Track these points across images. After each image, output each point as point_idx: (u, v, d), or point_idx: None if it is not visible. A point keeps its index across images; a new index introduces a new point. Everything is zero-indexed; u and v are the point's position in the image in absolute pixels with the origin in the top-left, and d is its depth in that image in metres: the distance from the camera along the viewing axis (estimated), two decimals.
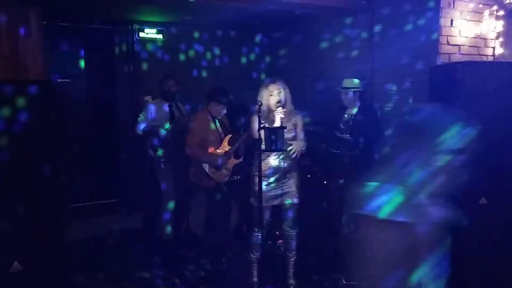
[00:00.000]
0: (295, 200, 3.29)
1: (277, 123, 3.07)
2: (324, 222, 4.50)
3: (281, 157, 3.21)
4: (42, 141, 3.09)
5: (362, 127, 4.00)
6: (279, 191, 3.23)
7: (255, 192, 3.20)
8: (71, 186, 4.95)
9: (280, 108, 3.10)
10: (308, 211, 4.53)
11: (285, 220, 3.34)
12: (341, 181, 4.19)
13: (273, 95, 3.13)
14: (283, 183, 3.24)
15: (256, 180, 3.20)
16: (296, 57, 5.50)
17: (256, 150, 3.21)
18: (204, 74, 5.52)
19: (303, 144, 3.28)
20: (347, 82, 4.13)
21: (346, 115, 4.18)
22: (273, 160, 3.22)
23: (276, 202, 3.26)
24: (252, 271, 3.42)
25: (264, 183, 3.16)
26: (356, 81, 4.13)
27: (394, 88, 4.12)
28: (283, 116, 3.11)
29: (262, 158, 3.24)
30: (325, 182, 4.57)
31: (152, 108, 4.34)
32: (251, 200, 3.33)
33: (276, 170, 3.23)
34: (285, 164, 3.23)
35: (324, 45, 4.99)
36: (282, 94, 3.15)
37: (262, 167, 3.23)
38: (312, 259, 4.02)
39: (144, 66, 5.32)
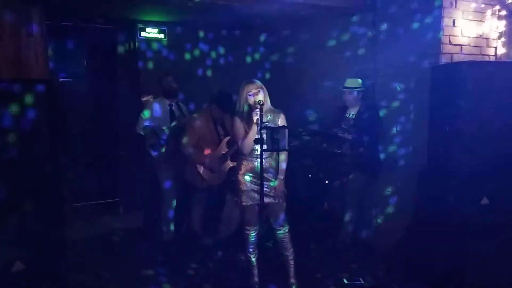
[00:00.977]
0: (280, 200, 3.29)
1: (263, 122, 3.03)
2: (325, 222, 4.50)
3: (264, 157, 3.20)
4: (45, 140, 3.09)
5: (365, 126, 4.00)
6: (262, 191, 3.22)
7: (239, 191, 3.28)
8: (73, 185, 4.96)
9: (259, 107, 3.03)
10: (310, 210, 4.55)
11: (273, 220, 3.34)
12: (343, 180, 4.19)
13: (251, 95, 3.13)
14: (267, 183, 3.23)
15: (240, 179, 3.27)
16: (301, 57, 5.49)
17: (239, 152, 3.26)
18: (208, 73, 5.51)
19: (286, 156, 3.28)
20: (350, 82, 4.12)
21: (348, 115, 4.17)
22: (256, 161, 3.20)
23: (260, 201, 3.24)
24: (252, 271, 3.41)
25: (247, 181, 3.23)
26: (360, 80, 4.12)
27: (396, 87, 4.11)
28: (259, 115, 3.06)
29: (245, 158, 3.27)
30: (326, 182, 4.57)
31: (156, 106, 4.35)
32: (236, 199, 3.38)
33: (258, 169, 3.17)
34: (267, 164, 3.24)
35: (328, 44, 4.97)
36: (261, 93, 3.16)
37: (245, 166, 3.27)
38: (313, 258, 4.02)
39: (146, 65, 5.32)
